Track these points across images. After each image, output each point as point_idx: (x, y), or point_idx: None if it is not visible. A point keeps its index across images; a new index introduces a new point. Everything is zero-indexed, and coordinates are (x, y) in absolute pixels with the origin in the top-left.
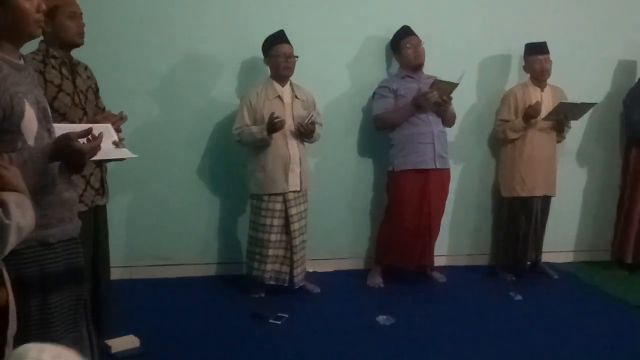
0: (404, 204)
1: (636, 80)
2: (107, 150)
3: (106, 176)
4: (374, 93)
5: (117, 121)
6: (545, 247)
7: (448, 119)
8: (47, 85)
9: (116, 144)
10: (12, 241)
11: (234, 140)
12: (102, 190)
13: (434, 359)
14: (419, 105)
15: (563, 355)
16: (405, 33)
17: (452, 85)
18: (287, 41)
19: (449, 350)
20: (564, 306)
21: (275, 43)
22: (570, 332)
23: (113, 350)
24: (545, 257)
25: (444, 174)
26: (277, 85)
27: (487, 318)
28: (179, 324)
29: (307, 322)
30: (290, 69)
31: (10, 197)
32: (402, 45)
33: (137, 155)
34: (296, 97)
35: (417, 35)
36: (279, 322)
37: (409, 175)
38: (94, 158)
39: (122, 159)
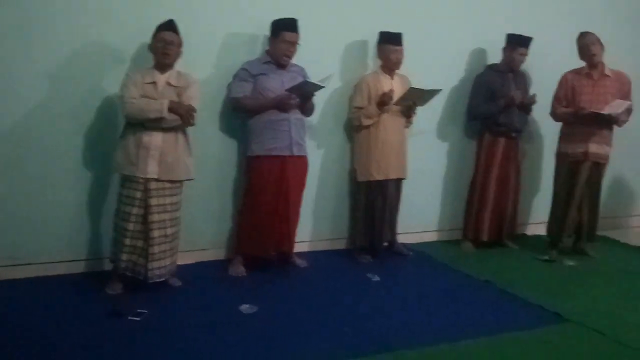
0: (261, 190)
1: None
2: None
3: None
4: (235, 74)
5: None
6: (400, 228)
7: (307, 110)
8: None
9: None
10: None
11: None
12: None
13: (297, 344)
14: (280, 106)
15: (420, 331)
16: (286, 26)
17: (316, 86)
18: (297, 30)
19: (311, 334)
20: (418, 284)
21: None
22: (425, 308)
23: None
24: (401, 238)
25: (302, 161)
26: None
27: (347, 300)
28: (25, 330)
29: (168, 317)
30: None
31: None
32: (279, 37)
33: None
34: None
35: (297, 32)
36: (139, 319)
37: (266, 160)
38: None
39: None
